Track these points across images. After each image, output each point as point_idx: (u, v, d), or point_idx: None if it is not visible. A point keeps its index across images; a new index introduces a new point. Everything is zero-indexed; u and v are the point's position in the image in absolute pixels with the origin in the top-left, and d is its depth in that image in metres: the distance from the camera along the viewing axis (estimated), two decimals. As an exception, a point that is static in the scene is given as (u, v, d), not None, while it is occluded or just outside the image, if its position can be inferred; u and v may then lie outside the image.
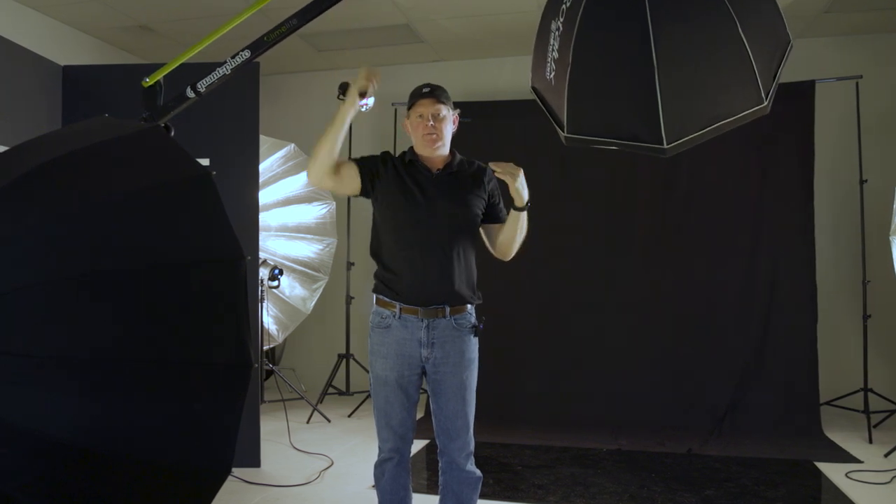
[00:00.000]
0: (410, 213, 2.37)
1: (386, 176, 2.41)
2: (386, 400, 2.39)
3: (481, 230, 2.52)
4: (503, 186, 2.40)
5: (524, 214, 2.42)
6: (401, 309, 2.35)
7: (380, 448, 2.46)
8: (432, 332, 2.35)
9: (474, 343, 2.43)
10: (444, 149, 2.44)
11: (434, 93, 2.41)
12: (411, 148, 2.49)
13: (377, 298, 2.43)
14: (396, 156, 2.50)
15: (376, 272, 2.46)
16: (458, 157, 2.50)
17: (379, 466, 2.46)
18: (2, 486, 1.35)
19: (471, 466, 2.45)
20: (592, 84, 1.63)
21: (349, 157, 2.45)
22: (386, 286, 2.40)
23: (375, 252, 2.46)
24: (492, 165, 2.37)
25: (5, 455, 1.36)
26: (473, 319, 2.44)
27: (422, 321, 2.34)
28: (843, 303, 5.27)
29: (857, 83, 4.90)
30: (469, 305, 2.43)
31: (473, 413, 2.45)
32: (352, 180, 2.41)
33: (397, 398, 2.38)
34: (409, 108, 2.46)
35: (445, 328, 2.36)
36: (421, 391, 2.48)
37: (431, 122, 2.39)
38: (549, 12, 1.72)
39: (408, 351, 2.36)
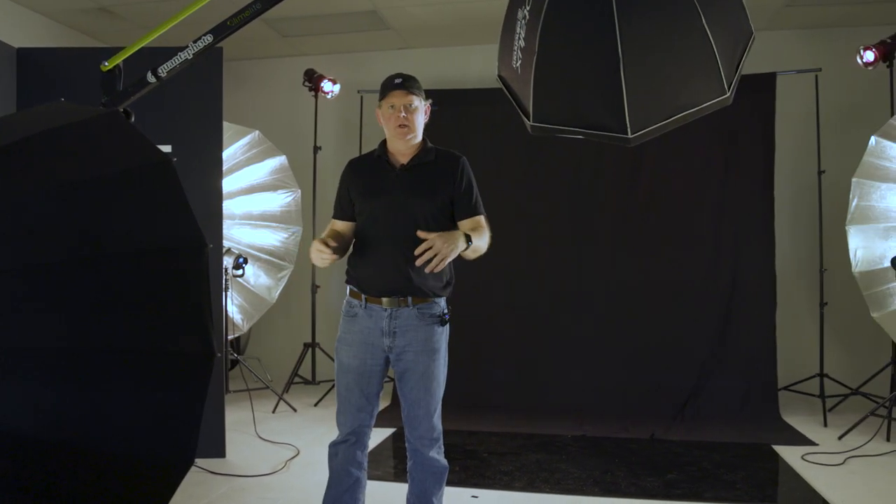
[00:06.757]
0: (371, 210, 2.43)
1: (354, 187, 2.48)
2: (346, 387, 2.44)
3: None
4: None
5: (470, 248, 2.31)
6: (366, 299, 2.40)
7: (339, 431, 2.49)
8: (394, 321, 2.36)
9: (440, 332, 2.42)
10: (416, 139, 2.44)
11: (405, 84, 2.40)
12: (383, 141, 2.50)
13: (349, 289, 2.48)
14: (366, 152, 2.53)
15: (347, 262, 2.51)
16: (431, 147, 2.48)
17: (333, 446, 2.49)
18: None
19: (435, 454, 2.45)
20: (558, 73, 1.63)
21: (333, 215, 2.55)
22: (353, 277, 2.46)
23: (354, 245, 2.52)
24: (417, 254, 2.20)
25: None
26: (441, 310, 2.44)
27: (385, 310, 2.38)
28: (802, 291, 5.41)
29: (816, 76, 5.02)
30: (437, 297, 2.43)
31: (439, 402, 2.44)
32: (350, 226, 2.50)
33: (357, 385, 2.42)
34: (382, 98, 2.45)
35: (409, 317, 2.37)
36: (387, 380, 2.48)
37: (404, 114, 2.38)
38: (516, 0, 1.71)
39: (371, 340, 2.39)
